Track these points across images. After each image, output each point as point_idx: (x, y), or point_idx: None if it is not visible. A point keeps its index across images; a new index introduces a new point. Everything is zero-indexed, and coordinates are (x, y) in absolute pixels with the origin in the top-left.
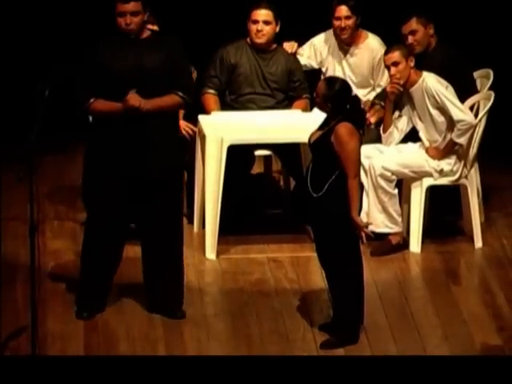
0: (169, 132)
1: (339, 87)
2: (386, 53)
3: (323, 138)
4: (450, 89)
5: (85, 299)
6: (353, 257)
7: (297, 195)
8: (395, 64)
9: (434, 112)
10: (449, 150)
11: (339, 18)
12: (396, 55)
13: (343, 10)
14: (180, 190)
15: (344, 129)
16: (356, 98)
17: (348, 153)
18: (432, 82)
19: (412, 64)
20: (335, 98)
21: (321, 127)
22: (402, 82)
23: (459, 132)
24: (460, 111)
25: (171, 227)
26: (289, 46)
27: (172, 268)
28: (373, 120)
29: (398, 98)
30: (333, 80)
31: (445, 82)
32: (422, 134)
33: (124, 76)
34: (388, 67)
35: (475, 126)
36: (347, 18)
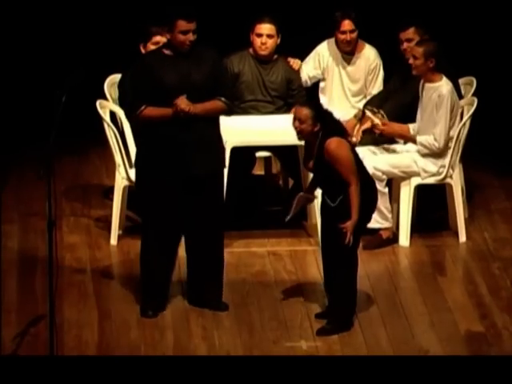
0: (213, 135)
1: (317, 104)
2: (419, 44)
3: (318, 161)
4: (455, 111)
5: (148, 298)
6: (353, 252)
7: (295, 193)
8: (415, 57)
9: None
10: (402, 137)
11: (345, 32)
12: (419, 51)
13: (348, 25)
14: (222, 189)
15: (332, 144)
16: (327, 110)
17: (343, 165)
18: (446, 92)
19: (431, 65)
20: (322, 115)
21: (308, 153)
22: (423, 78)
23: (426, 144)
24: (443, 133)
25: (215, 224)
26: (294, 64)
27: (215, 263)
28: (366, 126)
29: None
30: (309, 102)
31: (457, 101)
32: (417, 127)
33: (173, 88)
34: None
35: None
36: (352, 31)
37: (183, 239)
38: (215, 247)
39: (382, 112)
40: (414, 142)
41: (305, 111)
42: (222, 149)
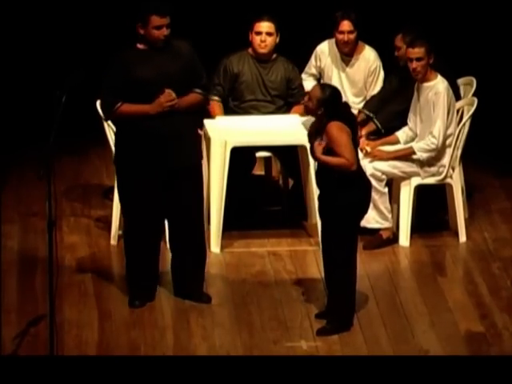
0: (189, 128)
1: (332, 92)
2: (413, 46)
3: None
4: (452, 108)
5: (134, 289)
6: (353, 250)
7: (294, 193)
8: (419, 59)
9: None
10: (400, 156)
11: (343, 32)
12: (421, 51)
13: (347, 25)
14: (201, 181)
15: (334, 126)
16: (346, 104)
17: (342, 145)
18: (443, 89)
19: (431, 61)
20: (328, 102)
21: (314, 138)
22: (419, 77)
23: (425, 147)
24: (441, 130)
25: (195, 216)
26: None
27: (196, 255)
28: (363, 133)
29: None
30: (326, 85)
31: (453, 98)
32: (417, 130)
33: (150, 83)
34: (411, 60)
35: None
36: (350, 32)
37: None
38: (196, 239)
39: (376, 121)
40: (412, 153)
41: (316, 92)
42: (199, 141)
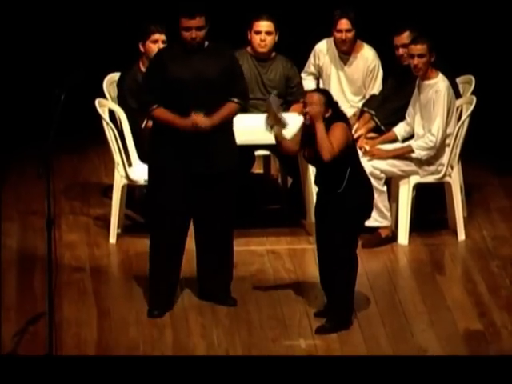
0: (226, 133)
1: (328, 93)
2: (415, 43)
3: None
4: (452, 107)
5: (156, 298)
6: (352, 252)
7: (293, 192)
8: (420, 56)
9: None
10: (399, 154)
11: (340, 31)
12: (424, 48)
13: (345, 24)
14: (234, 186)
15: (341, 126)
16: (336, 102)
17: (338, 140)
18: (443, 88)
19: (432, 59)
20: (333, 102)
21: (307, 141)
22: (420, 74)
23: (423, 145)
24: (440, 128)
25: (225, 220)
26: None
27: (225, 259)
28: (363, 131)
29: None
30: (322, 89)
31: (453, 97)
32: (415, 127)
33: (186, 84)
34: (413, 56)
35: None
36: (348, 30)
37: (193, 235)
38: (225, 243)
39: (375, 119)
40: (411, 151)
41: (317, 96)
42: (234, 146)
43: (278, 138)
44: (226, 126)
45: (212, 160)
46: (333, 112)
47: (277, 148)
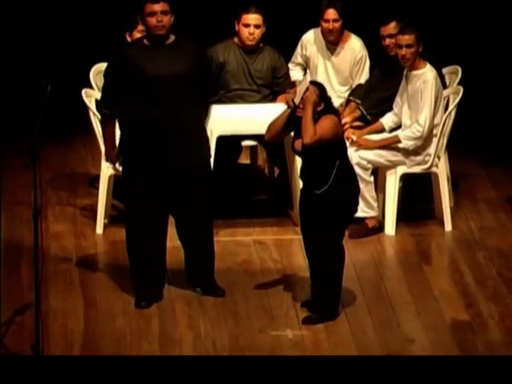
0: (196, 126)
1: (322, 85)
2: (403, 33)
3: None
4: (439, 97)
5: (140, 289)
6: (339, 243)
7: (280, 182)
8: (408, 46)
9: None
10: (386, 145)
11: (328, 21)
12: (411, 38)
13: (332, 14)
14: (208, 180)
15: (332, 119)
16: (330, 97)
17: (324, 129)
18: (431, 78)
19: (420, 50)
20: (327, 96)
21: (298, 135)
22: (408, 64)
23: (410, 135)
24: (427, 118)
25: (203, 213)
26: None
27: (204, 251)
28: (348, 119)
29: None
30: (317, 82)
31: (441, 88)
32: (403, 118)
33: (155, 80)
34: (400, 46)
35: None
36: (335, 20)
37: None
38: (203, 237)
39: (361, 108)
40: (398, 141)
41: (312, 87)
42: (206, 140)
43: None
44: (198, 121)
45: (183, 155)
46: (325, 106)
47: (263, 136)
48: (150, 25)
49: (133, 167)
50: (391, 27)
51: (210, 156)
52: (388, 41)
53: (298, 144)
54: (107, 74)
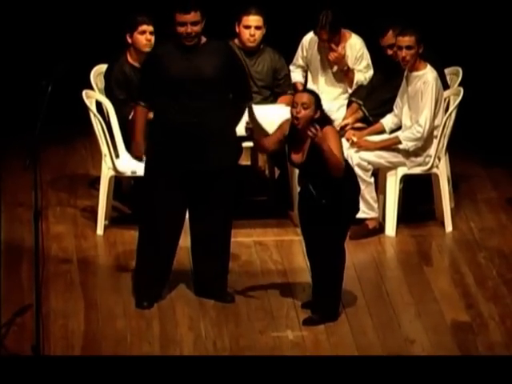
0: (224, 130)
1: (316, 93)
2: (403, 35)
3: (312, 151)
4: (440, 98)
5: (144, 290)
6: (340, 245)
7: (280, 183)
8: (408, 48)
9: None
10: (386, 146)
11: (323, 41)
12: (411, 40)
13: (324, 35)
14: (233, 185)
15: (333, 130)
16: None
17: (339, 150)
18: (432, 79)
19: (421, 51)
20: (321, 103)
21: (297, 146)
22: (408, 66)
23: (410, 136)
24: (428, 119)
25: (223, 217)
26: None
27: (221, 256)
28: (350, 120)
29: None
30: (311, 90)
31: (441, 89)
32: (403, 119)
33: (182, 81)
34: (400, 48)
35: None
36: (329, 40)
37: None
38: (222, 239)
39: (364, 109)
40: (398, 142)
41: (308, 96)
42: (234, 144)
43: (256, 137)
44: (226, 125)
45: (209, 157)
46: (321, 114)
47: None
48: (178, 32)
49: (157, 167)
50: (389, 37)
51: (236, 161)
52: (390, 51)
53: (296, 158)
54: (142, 69)
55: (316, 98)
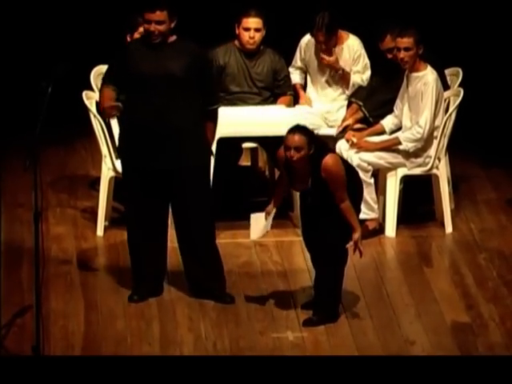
0: (192, 128)
1: (305, 127)
2: (402, 36)
3: (316, 181)
4: (440, 99)
5: (135, 284)
6: (344, 243)
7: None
8: (407, 49)
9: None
10: (386, 146)
11: (319, 43)
12: (410, 41)
13: (320, 37)
14: (206, 186)
15: (330, 161)
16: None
17: (340, 181)
18: (432, 80)
19: (420, 52)
20: (313, 135)
21: (298, 177)
22: (407, 67)
23: (410, 137)
24: (428, 120)
25: (200, 217)
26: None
27: (208, 254)
28: (351, 121)
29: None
30: (299, 127)
31: (442, 90)
32: (403, 120)
33: (146, 76)
34: (399, 49)
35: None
36: (325, 41)
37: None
38: (203, 238)
39: (364, 110)
40: (398, 143)
41: (299, 138)
42: (202, 146)
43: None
44: (194, 124)
45: (174, 156)
46: (315, 145)
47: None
48: (145, 30)
49: (127, 165)
50: (388, 41)
51: (206, 159)
52: (390, 55)
53: (298, 188)
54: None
55: (308, 137)
